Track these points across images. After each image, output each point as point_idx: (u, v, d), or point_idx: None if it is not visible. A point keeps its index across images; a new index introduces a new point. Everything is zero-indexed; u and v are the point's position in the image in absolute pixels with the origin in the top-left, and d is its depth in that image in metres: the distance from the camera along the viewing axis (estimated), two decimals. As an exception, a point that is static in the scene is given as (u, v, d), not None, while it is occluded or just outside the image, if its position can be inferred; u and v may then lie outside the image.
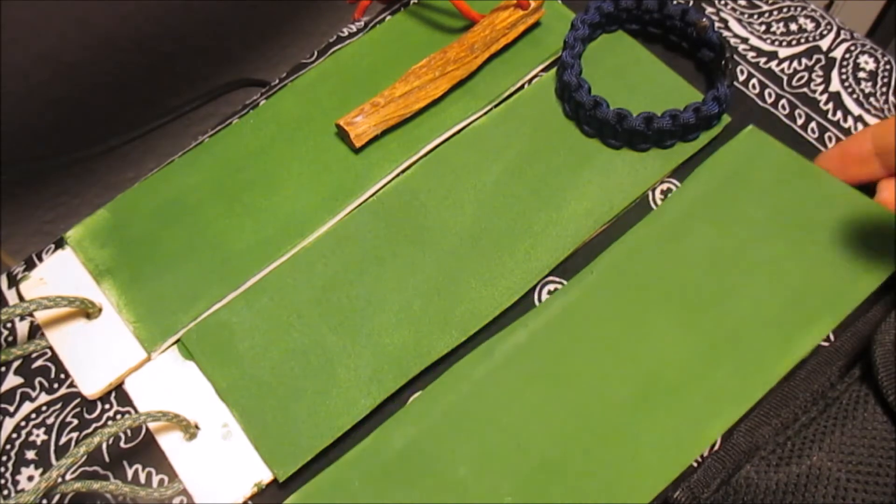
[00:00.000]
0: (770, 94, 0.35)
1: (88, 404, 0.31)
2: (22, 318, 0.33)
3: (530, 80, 0.37)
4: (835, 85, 0.36)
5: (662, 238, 0.32)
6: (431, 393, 0.30)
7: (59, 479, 0.28)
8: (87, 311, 0.32)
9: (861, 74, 0.36)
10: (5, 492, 0.30)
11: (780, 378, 0.29)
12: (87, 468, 0.30)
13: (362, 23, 0.39)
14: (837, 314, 0.29)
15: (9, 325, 0.33)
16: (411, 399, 0.30)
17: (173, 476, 0.29)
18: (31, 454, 0.30)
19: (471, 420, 0.29)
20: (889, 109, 0.35)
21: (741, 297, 0.30)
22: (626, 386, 0.29)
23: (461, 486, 0.28)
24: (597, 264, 0.31)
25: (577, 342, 0.30)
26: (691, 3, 0.38)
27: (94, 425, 0.31)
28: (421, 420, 0.29)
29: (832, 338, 0.30)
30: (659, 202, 0.33)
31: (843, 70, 0.36)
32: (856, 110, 0.35)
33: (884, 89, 0.35)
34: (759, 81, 0.36)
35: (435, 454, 0.28)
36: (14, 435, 0.31)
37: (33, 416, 0.31)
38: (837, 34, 0.37)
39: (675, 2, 0.35)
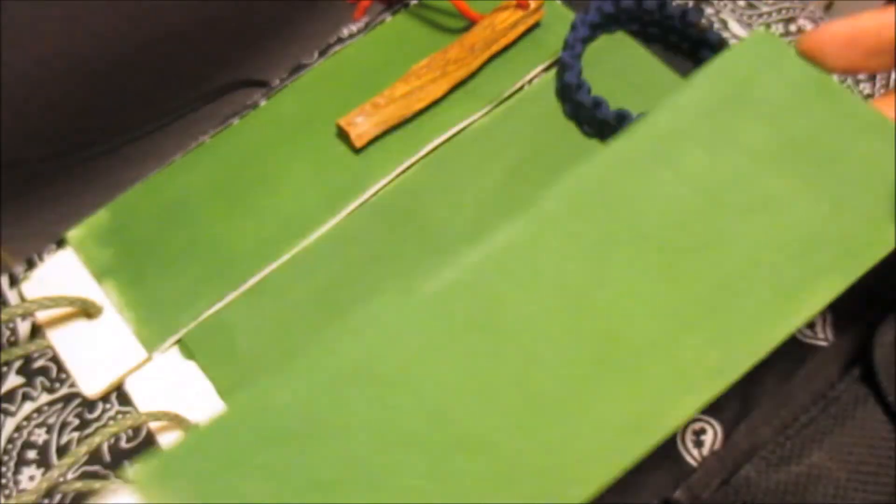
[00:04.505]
0: (770, 95, 0.36)
1: (89, 404, 0.31)
2: (23, 318, 0.33)
3: (531, 81, 0.37)
4: (834, 85, 0.36)
5: (643, 161, 0.25)
6: (327, 338, 0.22)
7: (61, 479, 0.28)
8: (88, 311, 0.32)
9: (860, 76, 0.36)
10: (7, 491, 0.30)
11: (770, 349, 0.22)
12: (88, 468, 0.30)
13: (363, 23, 0.39)
14: (850, 271, 0.23)
15: (10, 325, 0.33)
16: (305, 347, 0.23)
17: (174, 476, 0.30)
18: (32, 454, 0.30)
19: (375, 376, 0.22)
20: (889, 110, 0.35)
21: (734, 243, 0.23)
22: (579, 346, 0.22)
23: (356, 459, 0.21)
24: (553, 188, 0.24)
25: (521, 286, 0.23)
26: (691, 3, 0.38)
27: (94, 425, 0.31)
28: (311, 373, 0.22)
29: (832, 338, 0.30)
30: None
31: (843, 71, 0.36)
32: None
33: (882, 91, 0.35)
34: (759, 82, 0.36)
35: (326, 417, 0.22)
36: (15, 434, 0.31)
37: (34, 415, 0.31)
38: (837, 35, 0.37)
39: (675, 2, 0.35)
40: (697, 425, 0.29)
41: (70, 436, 0.31)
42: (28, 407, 0.31)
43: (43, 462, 0.30)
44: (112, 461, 0.30)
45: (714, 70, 0.26)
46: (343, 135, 0.35)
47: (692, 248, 0.23)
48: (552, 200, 0.24)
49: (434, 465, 0.21)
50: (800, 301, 0.23)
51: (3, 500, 0.29)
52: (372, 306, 0.23)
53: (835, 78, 0.26)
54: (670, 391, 0.22)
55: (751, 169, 0.24)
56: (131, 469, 0.21)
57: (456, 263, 0.23)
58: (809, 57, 0.26)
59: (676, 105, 0.25)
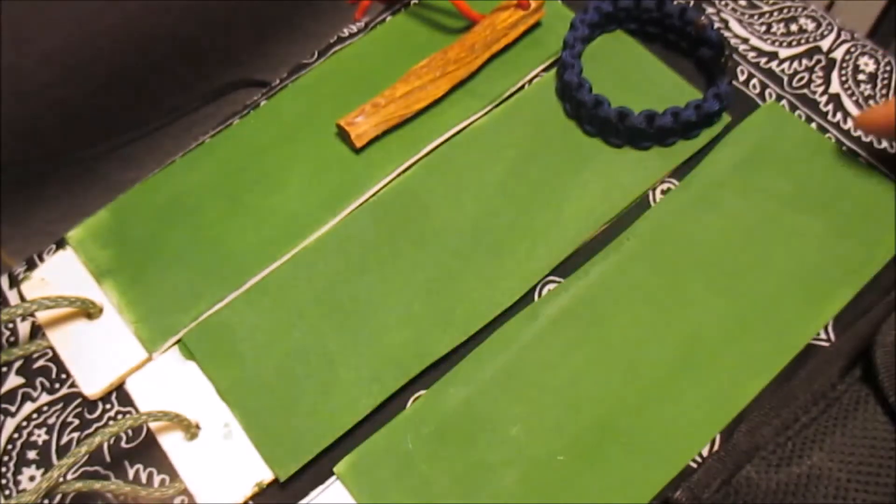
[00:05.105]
0: (770, 95, 0.36)
1: (89, 404, 0.31)
2: (23, 319, 0.33)
3: (531, 81, 0.37)
4: (835, 86, 0.36)
5: (694, 207, 0.33)
6: (479, 355, 0.31)
7: (61, 479, 0.28)
8: (89, 311, 0.32)
9: (861, 77, 0.36)
10: (7, 491, 0.30)
11: (809, 339, 0.30)
12: (88, 468, 0.30)
13: (363, 23, 0.39)
14: (857, 282, 0.31)
15: (10, 325, 0.33)
16: (461, 361, 0.31)
17: (174, 476, 0.30)
18: (32, 454, 0.30)
19: (520, 381, 0.30)
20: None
21: (770, 265, 0.31)
22: (668, 348, 0.30)
23: (514, 444, 0.29)
24: (633, 231, 0.32)
25: (619, 306, 0.31)
26: (690, 2, 0.38)
27: (95, 425, 0.31)
28: (471, 381, 0.30)
29: (833, 338, 0.30)
30: (660, 201, 0.33)
31: (843, 72, 0.36)
32: (855, 112, 0.35)
33: (883, 91, 0.35)
34: (760, 81, 0.36)
35: (487, 414, 0.29)
36: (15, 435, 0.31)
37: (34, 416, 0.31)
38: (838, 35, 0.37)
39: (673, 1, 0.35)
40: (698, 425, 0.29)
41: (70, 436, 0.31)
42: (28, 407, 0.31)
43: (43, 462, 0.30)
44: (112, 461, 0.30)
45: (736, 135, 0.34)
46: (343, 135, 0.35)
47: (741, 270, 0.31)
48: (633, 240, 0.32)
49: (574, 443, 0.29)
50: (825, 304, 0.31)
51: (3, 500, 0.29)
52: (506, 328, 0.31)
53: (828, 138, 0.34)
54: (740, 376, 0.30)
55: (775, 208, 0.33)
56: (338, 465, 0.29)
57: (566, 293, 0.31)
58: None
59: (711, 164, 0.34)
